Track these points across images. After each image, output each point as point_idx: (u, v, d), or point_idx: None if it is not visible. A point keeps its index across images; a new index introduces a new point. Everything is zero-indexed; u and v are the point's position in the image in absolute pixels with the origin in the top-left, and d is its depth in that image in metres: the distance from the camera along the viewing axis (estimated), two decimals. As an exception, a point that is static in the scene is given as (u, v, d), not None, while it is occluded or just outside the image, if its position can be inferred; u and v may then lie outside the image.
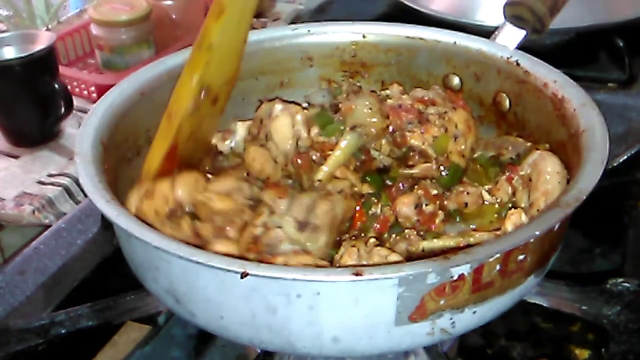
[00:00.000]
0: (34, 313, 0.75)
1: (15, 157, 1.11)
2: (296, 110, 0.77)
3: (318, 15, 1.36)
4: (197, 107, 0.71)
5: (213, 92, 0.74)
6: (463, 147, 0.76)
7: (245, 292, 0.55)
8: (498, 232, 0.67)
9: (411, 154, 0.75)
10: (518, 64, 0.79)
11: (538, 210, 0.66)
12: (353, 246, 0.64)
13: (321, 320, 0.56)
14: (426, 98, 0.78)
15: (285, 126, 0.75)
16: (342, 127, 0.75)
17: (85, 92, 1.22)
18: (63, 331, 0.68)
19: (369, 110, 0.75)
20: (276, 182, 0.73)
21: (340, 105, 0.77)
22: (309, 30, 0.87)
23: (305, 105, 0.83)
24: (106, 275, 0.80)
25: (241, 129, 0.80)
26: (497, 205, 0.72)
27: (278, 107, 0.77)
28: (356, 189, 0.72)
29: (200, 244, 0.61)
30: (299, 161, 0.74)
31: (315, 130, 0.76)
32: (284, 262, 0.59)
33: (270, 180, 0.73)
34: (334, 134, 0.76)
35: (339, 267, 0.62)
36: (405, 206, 0.70)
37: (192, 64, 0.72)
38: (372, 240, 0.66)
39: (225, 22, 0.71)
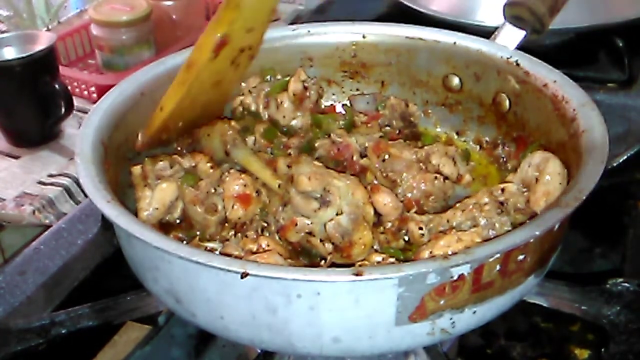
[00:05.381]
0: (35, 313, 0.75)
1: (16, 157, 1.11)
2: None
3: (318, 15, 1.36)
4: (216, 57, 0.73)
5: (234, 51, 0.75)
6: None
7: (246, 292, 0.55)
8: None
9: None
10: (518, 64, 0.79)
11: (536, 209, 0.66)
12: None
13: (321, 321, 0.56)
14: None
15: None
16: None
17: (86, 93, 1.22)
18: (63, 331, 0.68)
19: None
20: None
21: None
22: (309, 31, 0.87)
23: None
24: (106, 275, 0.80)
25: None
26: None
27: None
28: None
29: None
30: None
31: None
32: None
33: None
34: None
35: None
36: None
37: (217, 20, 0.73)
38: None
39: None
